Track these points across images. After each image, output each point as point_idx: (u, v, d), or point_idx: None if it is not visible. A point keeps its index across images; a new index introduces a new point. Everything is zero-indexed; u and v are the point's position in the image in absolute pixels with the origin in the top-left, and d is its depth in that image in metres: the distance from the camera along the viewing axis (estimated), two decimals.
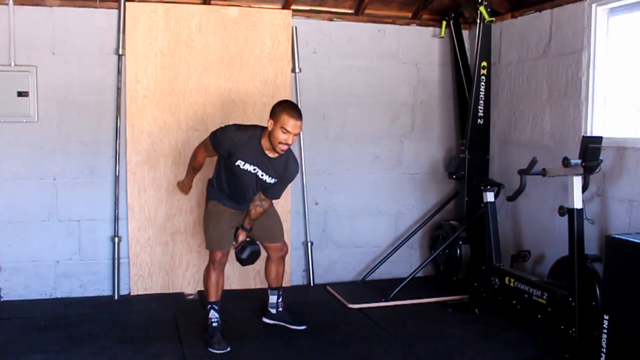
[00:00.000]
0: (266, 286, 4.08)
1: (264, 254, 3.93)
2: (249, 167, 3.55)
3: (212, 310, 3.70)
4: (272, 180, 3.62)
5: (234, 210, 3.73)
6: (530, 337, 3.81)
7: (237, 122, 4.00)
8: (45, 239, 4.46)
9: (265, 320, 4.02)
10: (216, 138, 3.57)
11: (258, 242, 3.86)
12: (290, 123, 3.40)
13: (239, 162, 3.54)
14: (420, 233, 5.20)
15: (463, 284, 4.76)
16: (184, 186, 4.08)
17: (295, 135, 3.45)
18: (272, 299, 3.99)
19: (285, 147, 3.46)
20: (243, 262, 3.81)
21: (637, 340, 3.02)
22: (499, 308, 4.19)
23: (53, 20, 4.34)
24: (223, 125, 3.67)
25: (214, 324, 3.66)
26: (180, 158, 4.60)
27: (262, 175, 3.59)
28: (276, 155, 3.54)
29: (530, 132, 4.60)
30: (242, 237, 3.76)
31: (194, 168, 3.90)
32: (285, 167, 3.63)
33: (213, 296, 3.70)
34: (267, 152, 3.54)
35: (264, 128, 3.53)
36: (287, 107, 3.48)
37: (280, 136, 3.41)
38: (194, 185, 4.62)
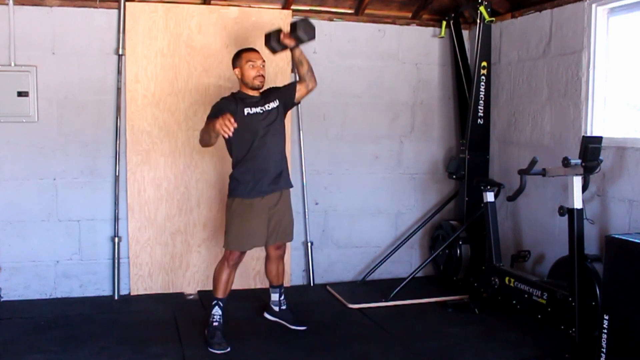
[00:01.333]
0: (266, 286, 4.08)
1: (259, 259, 3.90)
2: (256, 110, 3.67)
3: (216, 307, 3.68)
4: (276, 102, 3.75)
5: (260, 200, 3.65)
6: (530, 337, 3.81)
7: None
8: (45, 239, 4.46)
9: (267, 315, 4.03)
10: (214, 109, 3.62)
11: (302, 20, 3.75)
12: (252, 55, 3.68)
13: (247, 110, 3.64)
14: (420, 233, 5.20)
15: (463, 284, 4.76)
16: (214, 122, 3.38)
17: (262, 64, 3.68)
18: (274, 296, 3.99)
19: (262, 78, 3.68)
20: (309, 32, 3.72)
21: (637, 340, 3.02)
22: (499, 308, 4.20)
23: (53, 20, 4.34)
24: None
25: (215, 323, 3.65)
26: (180, 158, 4.61)
27: (268, 107, 3.70)
28: (258, 93, 3.73)
29: (530, 132, 4.60)
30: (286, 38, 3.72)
31: (204, 130, 3.62)
32: (272, 88, 3.86)
33: (221, 293, 3.68)
34: (252, 94, 3.72)
35: (238, 89, 3.76)
36: (241, 49, 3.78)
37: (251, 71, 3.65)
38: (194, 185, 4.65)
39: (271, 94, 3.80)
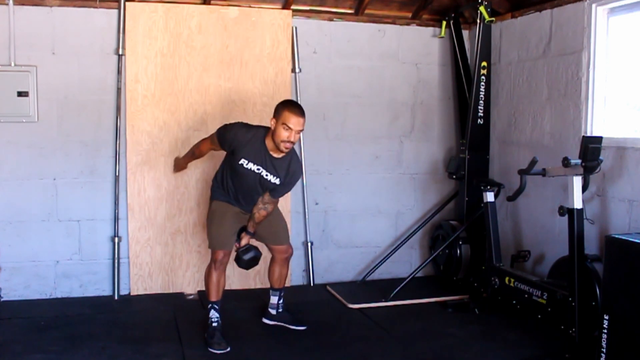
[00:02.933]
0: (266, 286, 4.08)
1: (264, 259, 3.91)
2: (252, 167, 3.55)
3: (212, 310, 3.69)
4: (277, 181, 3.61)
5: (238, 210, 3.74)
6: (530, 337, 3.81)
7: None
8: (45, 239, 4.46)
9: (265, 321, 4.02)
10: (221, 133, 3.61)
11: (258, 249, 3.78)
12: (292, 120, 3.41)
13: (242, 161, 3.54)
14: (420, 233, 5.20)
15: (463, 284, 4.75)
16: (179, 164, 4.21)
17: (297, 132, 3.46)
18: (273, 299, 3.99)
19: (288, 145, 3.47)
20: (242, 263, 3.74)
21: (637, 340, 3.02)
22: (499, 308, 4.19)
23: (53, 20, 4.34)
24: (231, 122, 3.69)
25: (214, 324, 3.66)
26: None
27: (266, 175, 3.59)
28: (280, 155, 3.55)
29: (530, 132, 4.60)
30: (244, 241, 3.71)
31: (193, 153, 4.01)
32: (289, 168, 3.62)
33: (214, 296, 3.70)
34: (271, 152, 3.55)
35: (269, 129, 3.54)
36: (288, 105, 3.53)
37: (283, 134, 3.42)
38: (194, 185, 4.64)
39: (281, 170, 3.59)
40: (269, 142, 3.53)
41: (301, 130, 3.51)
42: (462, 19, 5.15)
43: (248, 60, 4.69)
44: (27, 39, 4.30)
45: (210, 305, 3.70)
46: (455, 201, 5.16)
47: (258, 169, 3.56)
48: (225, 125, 3.62)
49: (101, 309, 4.29)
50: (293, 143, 3.48)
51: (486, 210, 4.34)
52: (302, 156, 4.87)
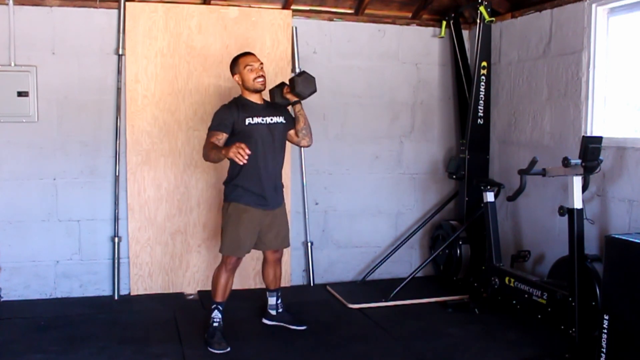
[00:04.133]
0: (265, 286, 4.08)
1: (261, 253, 3.91)
2: (258, 120, 3.62)
3: (216, 311, 3.68)
4: (282, 119, 3.71)
5: (255, 209, 3.63)
6: (530, 337, 3.81)
7: None
8: (45, 239, 4.46)
9: (265, 321, 4.01)
10: (216, 121, 3.58)
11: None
12: (248, 59, 3.64)
13: (248, 120, 3.58)
14: (420, 233, 5.20)
15: (463, 284, 4.76)
16: (227, 148, 3.36)
17: (260, 66, 3.64)
18: (272, 300, 3.99)
19: (262, 80, 3.63)
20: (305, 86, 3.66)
21: (637, 340, 3.02)
22: (499, 308, 4.20)
23: (53, 20, 4.34)
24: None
25: (215, 324, 3.65)
26: (180, 158, 4.61)
27: (271, 120, 3.66)
28: (262, 100, 3.70)
29: (530, 132, 4.60)
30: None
31: (214, 146, 3.49)
32: (276, 104, 3.74)
33: (220, 297, 3.68)
34: (256, 102, 3.68)
35: (239, 94, 3.72)
36: (238, 55, 3.73)
37: (250, 74, 3.61)
38: (194, 185, 4.65)
39: (278, 108, 3.74)
40: (248, 95, 3.67)
41: (262, 65, 3.66)
42: (462, 19, 5.15)
43: None
44: (27, 39, 4.30)
45: (214, 305, 3.69)
46: (455, 201, 5.17)
47: (263, 120, 3.63)
48: (213, 117, 3.64)
49: (101, 309, 4.30)
50: (264, 77, 3.64)
51: (486, 210, 4.35)
52: (302, 156, 4.87)
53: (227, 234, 3.65)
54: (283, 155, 3.77)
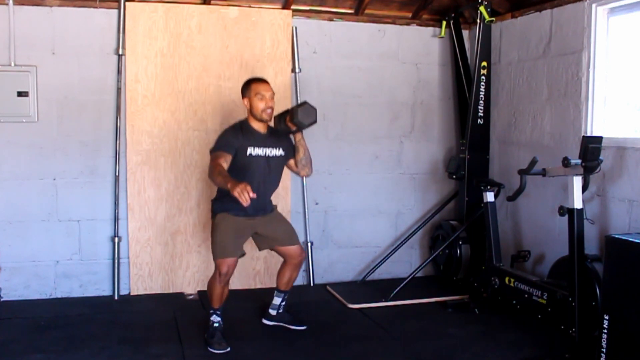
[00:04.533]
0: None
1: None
2: (259, 152, 3.63)
3: (214, 315, 3.68)
4: (281, 152, 3.73)
5: (243, 218, 3.64)
6: (530, 337, 3.81)
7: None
8: (45, 239, 4.46)
9: (265, 321, 4.01)
10: (222, 142, 3.58)
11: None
12: (260, 88, 3.63)
13: (250, 150, 3.60)
14: (420, 233, 5.20)
15: (463, 284, 4.75)
16: (234, 183, 3.25)
17: (271, 98, 3.63)
18: (277, 300, 3.97)
19: (269, 112, 3.63)
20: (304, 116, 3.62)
21: (637, 340, 3.02)
22: (499, 308, 4.19)
23: (53, 20, 4.34)
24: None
25: (215, 325, 3.66)
26: (180, 158, 4.61)
27: (270, 152, 3.67)
28: (266, 129, 3.70)
29: (530, 132, 4.60)
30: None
31: (220, 172, 3.41)
32: (280, 134, 3.76)
33: (217, 304, 3.66)
34: (260, 130, 3.68)
35: (245, 117, 3.72)
36: (252, 79, 3.74)
37: (260, 104, 3.60)
38: (194, 186, 4.65)
39: (280, 139, 3.75)
40: (253, 122, 3.67)
41: (273, 95, 3.66)
42: (462, 19, 5.15)
43: (248, 60, 4.69)
44: (27, 39, 4.30)
45: (212, 311, 3.68)
46: (455, 201, 5.17)
47: (263, 152, 3.64)
48: (218, 138, 3.65)
49: (101, 309, 4.30)
50: (272, 108, 3.64)
51: (486, 210, 4.35)
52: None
53: (215, 240, 3.63)
54: (277, 183, 3.82)
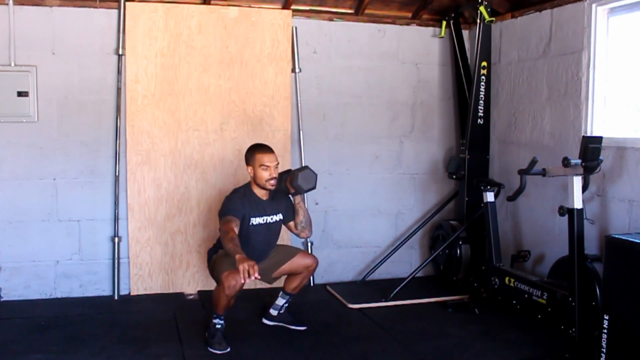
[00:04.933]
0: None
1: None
2: (260, 220, 3.71)
3: (217, 318, 3.65)
4: (279, 217, 3.79)
5: None
6: (530, 337, 3.81)
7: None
8: (45, 239, 4.46)
9: (266, 321, 4.01)
10: (231, 207, 3.59)
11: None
12: (265, 159, 3.65)
13: (252, 220, 3.67)
14: (420, 233, 5.20)
15: (463, 284, 4.75)
16: (241, 258, 3.23)
17: (275, 167, 3.68)
18: (280, 301, 3.96)
19: (273, 182, 3.67)
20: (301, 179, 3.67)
21: (637, 340, 3.02)
22: (499, 308, 4.19)
23: (53, 20, 4.34)
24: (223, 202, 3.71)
25: (217, 325, 3.64)
26: (180, 158, 4.61)
27: (271, 219, 3.75)
28: (268, 196, 3.75)
29: (530, 132, 4.60)
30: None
31: (232, 239, 3.40)
32: (280, 198, 3.81)
33: (221, 311, 3.63)
34: (262, 197, 3.74)
35: (248, 182, 3.76)
36: (257, 148, 3.74)
37: (264, 174, 3.65)
38: (194, 186, 4.65)
39: (280, 202, 3.80)
40: (256, 190, 3.72)
41: (278, 165, 3.70)
42: (462, 19, 5.15)
43: (248, 60, 4.69)
44: (27, 39, 4.30)
45: (215, 315, 3.65)
46: (455, 201, 5.17)
47: (264, 220, 3.72)
48: (223, 204, 3.66)
49: (101, 309, 4.29)
50: (276, 178, 3.68)
51: (486, 210, 4.35)
52: (302, 156, 4.87)
53: (217, 266, 3.62)
54: (276, 241, 3.89)
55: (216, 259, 3.72)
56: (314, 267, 3.89)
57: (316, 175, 3.73)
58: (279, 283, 4.03)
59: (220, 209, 3.66)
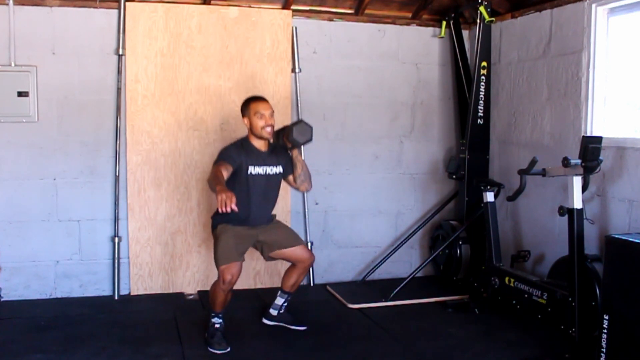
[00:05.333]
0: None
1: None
2: (259, 170, 3.67)
3: (215, 317, 3.67)
4: (279, 169, 3.75)
5: (244, 228, 3.67)
6: (530, 337, 3.81)
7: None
8: (45, 239, 4.46)
9: (266, 321, 4.01)
10: (225, 154, 3.60)
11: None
12: (260, 106, 3.66)
13: (251, 169, 3.63)
14: (420, 233, 5.20)
15: (463, 284, 4.75)
16: (221, 189, 3.27)
17: (271, 115, 3.66)
18: (279, 301, 3.96)
19: (269, 129, 3.66)
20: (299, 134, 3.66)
21: (637, 340, 3.02)
22: (499, 308, 4.19)
23: (53, 20, 4.34)
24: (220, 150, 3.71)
25: (216, 325, 3.65)
26: (180, 158, 4.61)
27: (271, 170, 3.70)
28: (266, 147, 3.73)
29: (530, 132, 4.60)
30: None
31: (216, 177, 3.42)
32: (279, 150, 3.78)
33: (219, 309, 3.66)
34: (261, 149, 3.71)
35: (246, 135, 3.74)
36: (251, 98, 3.76)
37: (259, 122, 3.64)
38: (194, 186, 4.65)
39: (280, 156, 3.78)
40: (254, 140, 3.71)
41: (273, 113, 3.69)
42: (462, 19, 5.15)
43: (248, 60, 4.69)
44: (27, 39, 4.30)
45: (213, 314, 3.67)
46: (455, 201, 5.17)
47: (263, 170, 3.68)
48: (221, 151, 3.66)
49: (101, 309, 4.30)
50: (272, 126, 3.67)
51: (486, 210, 4.35)
52: (302, 156, 4.85)
53: (217, 249, 3.61)
54: (277, 198, 3.86)
55: (217, 238, 3.66)
56: (310, 262, 3.89)
57: (311, 127, 3.70)
58: (278, 283, 4.03)
59: (218, 155, 3.63)
